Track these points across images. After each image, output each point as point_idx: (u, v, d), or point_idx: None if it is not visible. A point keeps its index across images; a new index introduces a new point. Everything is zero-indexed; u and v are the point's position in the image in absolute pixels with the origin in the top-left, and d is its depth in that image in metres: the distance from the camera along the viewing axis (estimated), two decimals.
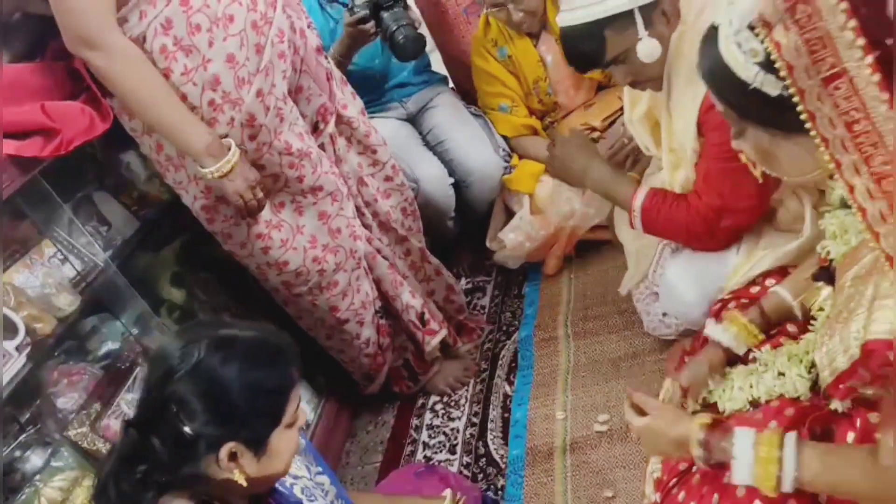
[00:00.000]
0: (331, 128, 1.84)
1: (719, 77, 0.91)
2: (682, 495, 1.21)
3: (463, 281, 2.58)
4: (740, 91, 0.89)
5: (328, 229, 1.82)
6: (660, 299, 1.81)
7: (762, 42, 0.80)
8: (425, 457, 1.98)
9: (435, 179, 2.35)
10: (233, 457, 1.00)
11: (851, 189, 0.78)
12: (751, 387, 1.23)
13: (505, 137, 2.40)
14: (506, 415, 1.99)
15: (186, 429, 0.98)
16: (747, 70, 0.87)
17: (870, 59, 0.72)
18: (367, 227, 1.98)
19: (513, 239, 2.33)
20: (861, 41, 0.72)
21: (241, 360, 1.00)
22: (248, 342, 1.03)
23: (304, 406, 1.14)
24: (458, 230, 2.55)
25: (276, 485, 1.15)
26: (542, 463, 1.78)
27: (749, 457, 0.95)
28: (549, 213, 2.26)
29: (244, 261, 1.83)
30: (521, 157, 2.37)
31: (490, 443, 1.93)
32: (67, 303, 1.54)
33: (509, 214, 2.40)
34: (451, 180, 2.38)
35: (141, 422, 1.03)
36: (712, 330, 1.35)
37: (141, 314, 1.78)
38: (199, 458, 1.00)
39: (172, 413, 0.99)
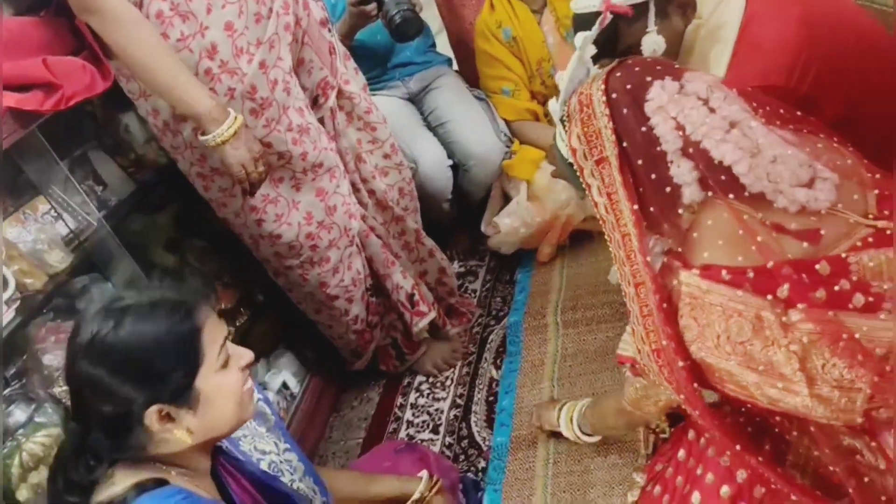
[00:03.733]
0: (331, 102, 1.83)
1: (556, 153, 1.17)
2: (657, 489, 1.27)
3: (456, 264, 2.59)
4: (565, 164, 1.14)
5: (324, 206, 1.82)
6: None
7: (566, 132, 1.09)
8: (408, 435, 1.99)
9: (434, 161, 2.34)
10: (166, 418, 0.97)
11: (610, 240, 1.08)
12: None
13: (506, 122, 2.40)
14: (490, 398, 2.00)
15: (106, 408, 0.95)
16: (565, 150, 1.13)
17: (617, 150, 1.02)
18: (362, 204, 1.97)
19: (508, 224, 2.34)
20: (613, 137, 1.02)
21: (131, 323, 0.96)
22: (138, 303, 0.99)
23: (239, 349, 1.07)
24: (454, 213, 2.55)
25: (237, 454, 1.13)
26: (525, 450, 1.79)
27: (564, 424, 1.62)
28: (546, 200, 2.27)
29: (238, 230, 1.82)
30: (521, 143, 2.37)
31: (473, 425, 1.94)
32: (59, 260, 1.54)
33: (506, 200, 2.40)
34: (450, 162, 2.38)
35: (74, 412, 1.00)
36: None
37: (132, 277, 1.77)
38: (132, 429, 0.97)
39: (87, 395, 0.96)
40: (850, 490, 0.96)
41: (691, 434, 1.28)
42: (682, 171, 0.99)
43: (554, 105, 1.17)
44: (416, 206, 2.14)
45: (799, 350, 0.90)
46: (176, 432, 0.97)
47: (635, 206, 1.01)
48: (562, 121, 1.13)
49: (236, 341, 1.89)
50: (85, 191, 1.70)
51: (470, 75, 2.58)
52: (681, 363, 0.99)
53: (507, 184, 2.39)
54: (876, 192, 0.99)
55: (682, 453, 1.29)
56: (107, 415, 0.96)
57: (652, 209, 1.03)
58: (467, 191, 2.46)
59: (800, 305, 0.90)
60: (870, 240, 0.94)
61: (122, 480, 0.97)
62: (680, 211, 1.00)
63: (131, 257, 1.74)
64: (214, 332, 1.02)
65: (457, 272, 2.53)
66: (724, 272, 0.95)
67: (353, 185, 1.92)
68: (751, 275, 0.93)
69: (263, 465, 1.16)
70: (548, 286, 2.36)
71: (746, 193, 0.97)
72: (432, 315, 2.12)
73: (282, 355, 2.14)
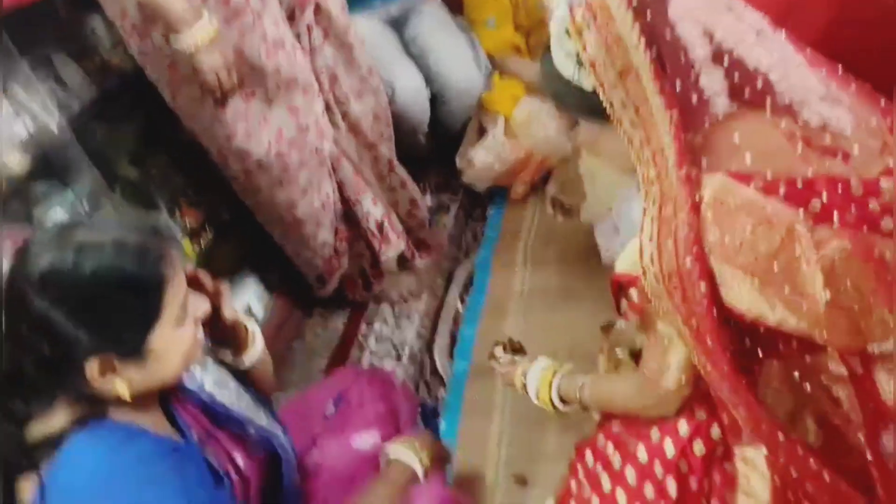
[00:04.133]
0: (308, 17, 1.77)
1: (550, 75, 1.05)
2: (615, 425, 1.27)
3: (428, 197, 2.56)
4: (565, 86, 1.02)
5: (296, 125, 1.77)
6: (621, 234, 1.81)
7: (575, 44, 0.97)
8: (371, 363, 2.00)
9: (412, 89, 2.29)
10: (108, 369, 0.90)
11: (638, 158, 0.98)
12: None
13: (488, 54, 2.34)
14: (455, 330, 2.01)
15: (45, 347, 0.88)
16: (567, 68, 1.01)
17: (649, 55, 0.91)
18: (335, 127, 1.93)
19: (483, 159, 2.31)
20: (643, 41, 0.91)
21: (92, 261, 0.88)
22: (100, 241, 0.90)
23: (198, 299, 1.02)
24: (429, 145, 2.51)
25: (186, 381, 1.08)
26: (484, 379, 1.80)
27: (536, 381, 1.34)
28: (523, 137, 2.24)
29: (206, 144, 1.77)
30: (502, 76, 2.33)
31: (436, 356, 1.95)
32: (16, 162, 1.49)
33: (483, 134, 2.37)
34: (429, 92, 2.33)
35: (8, 338, 0.91)
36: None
37: (93, 188, 1.72)
38: (67, 372, 0.90)
39: (27, 330, 0.88)
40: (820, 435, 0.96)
41: None
42: (713, 81, 0.92)
43: (561, 12, 1.03)
44: (390, 134, 2.10)
45: (827, 266, 0.87)
46: (116, 383, 0.91)
47: (674, 112, 0.92)
48: (567, 32, 1.01)
49: (200, 261, 1.91)
50: (46, 93, 1.64)
51: (452, 4, 2.50)
52: (703, 287, 0.93)
53: (484, 118, 2.36)
54: (889, 119, 0.97)
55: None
56: (44, 353, 0.89)
57: None
58: (444, 122, 2.42)
59: (835, 215, 0.87)
60: (893, 165, 0.91)
61: (61, 414, 0.92)
62: (706, 125, 0.94)
63: (93, 167, 1.69)
64: (178, 287, 0.95)
65: (429, 206, 2.50)
66: (755, 180, 0.90)
67: (326, 106, 1.87)
68: (783, 187, 0.89)
69: (208, 383, 1.11)
70: (519, 224, 2.35)
71: (781, 102, 0.93)
72: (401, 245, 2.10)
73: (246, 277, 2.12)
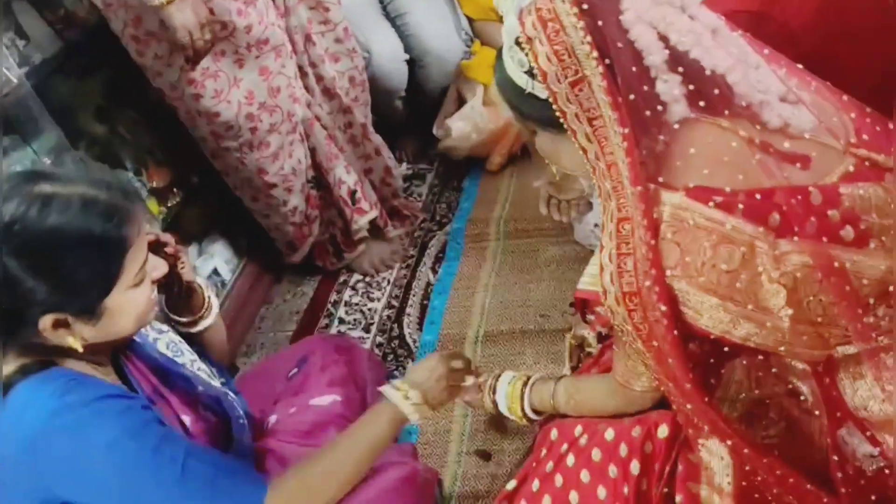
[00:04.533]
0: None
1: (503, 84, 1.02)
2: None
3: (404, 166, 2.52)
4: (519, 96, 0.99)
5: (267, 87, 1.72)
6: (594, 210, 1.80)
7: (526, 54, 0.93)
8: (339, 331, 1.98)
9: (389, 53, 2.23)
10: (62, 325, 0.91)
11: (594, 170, 0.96)
12: None
13: (469, 19, 2.29)
14: (425, 302, 2.00)
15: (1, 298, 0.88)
16: (520, 78, 0.97)
17: (601, 68, 0.88)
18: (308, 90, 1.88)
19: (460, 128, 2.27)
20: (595, 53, 0.89)
21: (57, 215, 0.88)
22: (67, 194, 0.90)
23: (157, 261, 1.03)
24: (406, 112, 2.46)
25: (137, 338, 1.09)
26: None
27: (505, 397, 1.31)
28: (502, 107, 2.19)
29: (174, 103, 1.72)
30: (483, 44, 2.28)
31: (406, 327, 1.94)
32: None
33: (461, 103, 2.33)
34: (407, 57, 2.27)
35: None
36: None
37: (56, 144, 1.66)
38: (21, 324, 0.90)
39: None
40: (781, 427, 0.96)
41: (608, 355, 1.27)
42: (670, 87, 0.88)
43: (511, 21, 0.99)
44: (366, 99, 2.05)
45: (789, 283, 0.86)
46: (68, 339, 0.92)
47: (626, 130, 0.89)
48: (517, 43, 0.98)
49: (167, 222, 1.87)
50: (5, 44, 1.57)
51: None
52: (663, 307, 0.92)
53: (463, 86, 2.31)
54: (852, 115, 0.95)
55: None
56: None
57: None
58: (422, 89, 2.37)
59: (795, 228, 0.86)
60: (853, 169, 0.90)
61: (11, 362, 0.92)
62: (662, 136, 0.90)
63: (55, 123, 1.63)
64: (139, 249, 0.96)
65: (404, 174, 2.47)
66: (713, 197, 0.88)
67: (300, 68, 1.82)
68: (742, 202, 0.87)
69: (161, 345, 1.11)
70: (494, 196, 2.33)
71: (740, 105, 0.90)
72: (373, 214, 2.07)
73: (215, 241, 2.07)
